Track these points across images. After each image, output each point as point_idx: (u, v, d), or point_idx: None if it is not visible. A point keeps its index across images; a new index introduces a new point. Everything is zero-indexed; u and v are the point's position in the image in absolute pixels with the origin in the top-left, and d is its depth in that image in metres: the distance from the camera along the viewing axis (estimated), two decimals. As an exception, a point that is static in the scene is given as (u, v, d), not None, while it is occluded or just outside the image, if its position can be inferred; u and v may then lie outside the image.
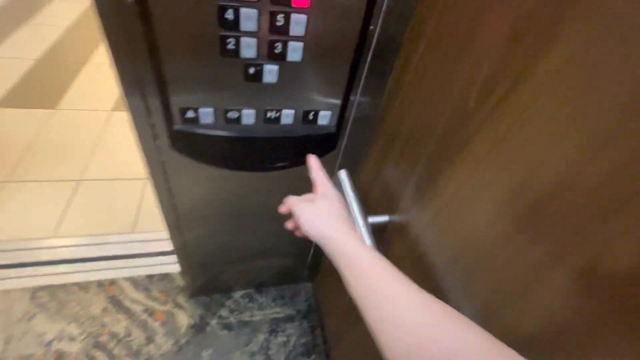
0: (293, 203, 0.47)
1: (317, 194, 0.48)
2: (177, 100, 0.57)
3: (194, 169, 0.69)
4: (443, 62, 0.45)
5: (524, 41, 0.31)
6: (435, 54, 0.47)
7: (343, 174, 0.68)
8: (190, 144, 0.63)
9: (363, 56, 0.57)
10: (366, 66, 0.59)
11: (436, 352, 0.24)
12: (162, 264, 1.32)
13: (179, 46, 0.50)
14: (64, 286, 1.20)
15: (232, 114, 0.60)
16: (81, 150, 1.69)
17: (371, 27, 0.53)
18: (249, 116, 0.61)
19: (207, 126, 0.61)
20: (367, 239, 0.58)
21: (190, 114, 0.59)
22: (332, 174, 0.84)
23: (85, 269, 1.25)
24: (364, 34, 0.54)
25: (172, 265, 1.31)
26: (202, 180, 0.74)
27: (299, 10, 0.48)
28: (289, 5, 0.48)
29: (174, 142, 0.62)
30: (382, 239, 0.66)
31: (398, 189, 0.59)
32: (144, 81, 0.53)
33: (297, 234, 0.49)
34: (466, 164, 0.40)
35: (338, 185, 0.69)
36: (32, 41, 2.43)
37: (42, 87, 2.03)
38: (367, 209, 0.65)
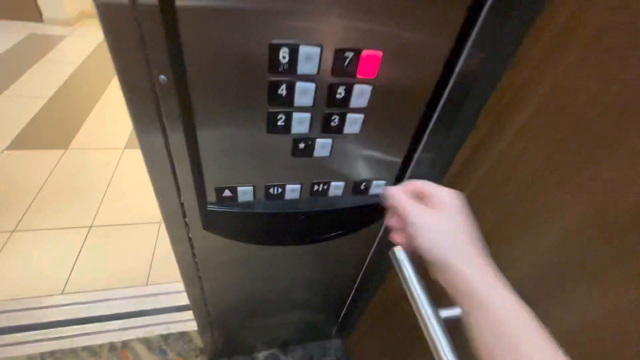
0: (406, 205, 0.35)
1: (435, 204, 0.34)
2: (212, 180, 0.49)
3: (225, 244, 0.60)
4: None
5: None
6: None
7: (399, 252, 0.58)
8: (225, 223, 0.55)
9: (430, 119, 0.49)
10: (430, 127, 0.50)
11: None
12: (177, 321, 1.21)
13: (218, 124, 0.43)
14: (73, 351, 1.09)
15: (275, 190, 0.52)
16: (93, 193, 1.62)
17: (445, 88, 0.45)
18: (293, 191, 0.53)
19: (245, 204, 0.52)
20: (441, 338, 0.47)
21: (227, 193, 0.50)
22: (385, 246, 0.74)
23: (96, 330, 1.15)
24: (435, 97, 0.46)
25: (188, 323, 1.20)
26: (233, 255, 0.65)
27: (364, 81, 0.41)
28: (353, 76, 0.40)
29: (207, 222, 0.54)
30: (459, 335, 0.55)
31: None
32: (174, 159, 0.45)
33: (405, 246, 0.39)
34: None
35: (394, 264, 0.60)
36: (46, 79, 2.43)
37: (54, 127, 2.00)
38: (436, 298, 0.55)
